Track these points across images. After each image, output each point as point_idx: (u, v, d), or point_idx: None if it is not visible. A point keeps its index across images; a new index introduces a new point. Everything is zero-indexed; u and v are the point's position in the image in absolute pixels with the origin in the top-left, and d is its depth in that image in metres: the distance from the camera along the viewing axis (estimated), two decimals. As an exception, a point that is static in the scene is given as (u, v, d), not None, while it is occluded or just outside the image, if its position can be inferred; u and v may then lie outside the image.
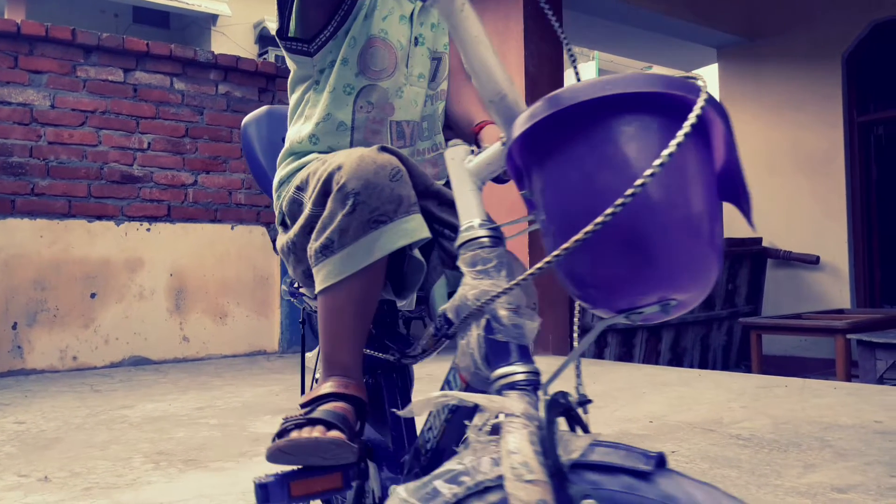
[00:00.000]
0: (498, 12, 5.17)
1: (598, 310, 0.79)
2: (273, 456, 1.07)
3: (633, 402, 3.36)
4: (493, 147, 0.92)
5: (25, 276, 4.74)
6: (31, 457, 2.67)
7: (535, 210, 0.82)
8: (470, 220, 0.90)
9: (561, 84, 5.41)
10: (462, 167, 0.94)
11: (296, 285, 1.46)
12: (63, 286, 4.86)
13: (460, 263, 0.88)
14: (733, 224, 6.90)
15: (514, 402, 0.76)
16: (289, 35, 1.31)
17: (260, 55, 9.75)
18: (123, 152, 5.16)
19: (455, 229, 1.19)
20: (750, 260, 6.31)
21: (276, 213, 1.31)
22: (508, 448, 0.72)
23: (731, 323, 6.14)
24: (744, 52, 7.07)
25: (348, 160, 1.06)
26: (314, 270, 1.09)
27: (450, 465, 0.78)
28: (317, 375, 1.59)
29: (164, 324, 5.19)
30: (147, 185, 5.24)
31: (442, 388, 0.97)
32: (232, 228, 5.52)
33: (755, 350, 4.94)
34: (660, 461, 0.69)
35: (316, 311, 1.48)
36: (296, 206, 1.21)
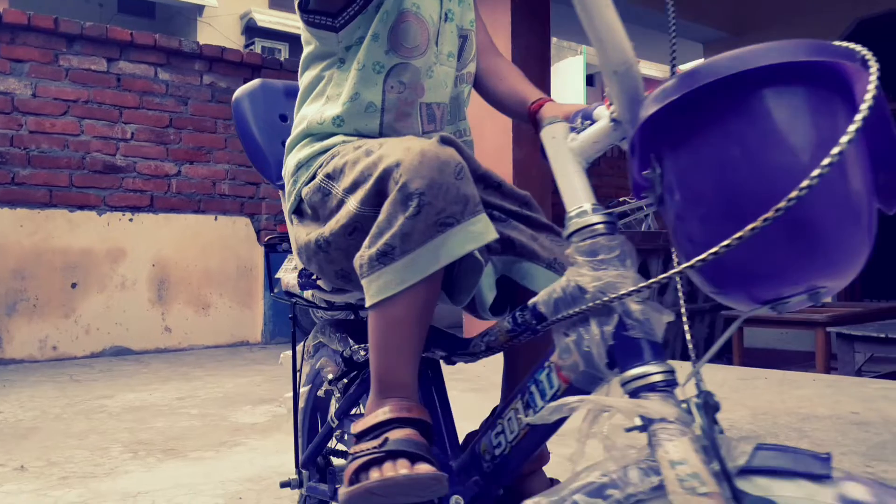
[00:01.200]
0: (485, 5, 5.16)
1: (736, 301, 0.73)
2: (359, 499, 0.91)
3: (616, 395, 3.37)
4: (601, 124, 0.85)
5: (5, 266, 4.70)
6: (8, 446, 2.65)
7: (652, 193, 0.76)
8: (579, 204, 0.83)
9: (548, 78, 5.41)
10: (564, 146, 0.86)
11: (291, 283, 1.39)
12: (43, 276, 4.81)
13: (572, 253, 0.81)
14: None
15: (665, 405, 0.69)
16: (310, 7, 1.19)
17: (246, 46, 9.70)
18: (106, 142, 5.12)
19: (503, 210, 1.15)
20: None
21: (290, 199, 1.18)
22: (671, 458, 0.65)
23: (713, 316, 6.18)
24: (730, 48, 7.09)
25: (408, 156, 0.94)
26: (366, 281, 0.96)
27: (588, 476, 0.70)
28: (302, 370, 1.55)
29: (145, 314, 5.16)
30: (130, 175, 5.20)
31: (525, 390, 0.88)
32: (215, 219, 5.49)
33: (736, 342, 4.97)
34: (828, 462, 0.64)
35: (309, 308, 1.42)
36: (323, 195, 1.09)
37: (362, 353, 1.20)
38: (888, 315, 4.84)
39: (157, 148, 5.31)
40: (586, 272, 0.79)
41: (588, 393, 0.80)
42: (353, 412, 1.23)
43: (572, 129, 0.89)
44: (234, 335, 5.51)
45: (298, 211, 1.18)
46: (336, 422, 1.24)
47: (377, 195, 0.98)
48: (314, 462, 1.40)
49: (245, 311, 5.57)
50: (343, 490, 0.91)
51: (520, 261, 1.11)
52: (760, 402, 3.15)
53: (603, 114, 0.88)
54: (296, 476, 1.44)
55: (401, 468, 0.88)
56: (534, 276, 1.10)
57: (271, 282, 1.74)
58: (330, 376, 1.34)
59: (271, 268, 1.72)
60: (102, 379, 4.10)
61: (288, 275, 1.45)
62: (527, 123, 1.24)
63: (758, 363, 4.53)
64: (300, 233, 1.14)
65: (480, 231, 0.95)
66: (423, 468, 0.88)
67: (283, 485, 1.44)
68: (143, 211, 5.22)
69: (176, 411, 3.22)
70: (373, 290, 0.95)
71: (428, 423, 0.97)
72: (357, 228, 1.02)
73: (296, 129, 1.22)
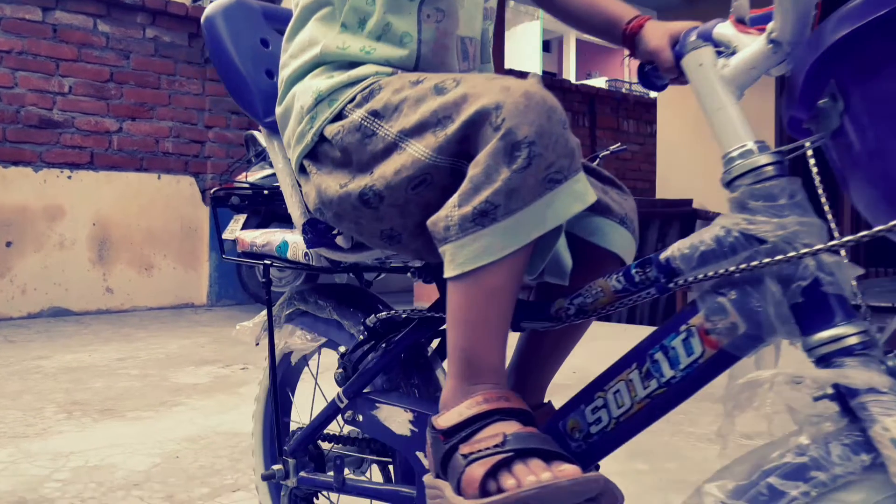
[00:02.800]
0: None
1: None
2: None
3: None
4: (756, 46, 0.74)
5: (-65, 223, 4.50)
6: (-65, 407, 2.56)
7: (823, 127, 0.69)
8: (741, 142, 0.73)
9: (503, 43, 5.36)
10: (714, 74, 0.75)
11: (258, 242, 1.22)
12: (-24, 234, 4.64)
13: (738, 198, 0.72)
14: (665, 185, 7.02)
15: (872, 374, 0.61)
16: None
17: (194, 0, 9.36)
18: (42, 95, 4.91)
19: None
20: (680, 221, 6.45)
21: (302, 140, 0.98)
22: (893, 435, 0.58)
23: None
24: (683, 15, 7.12)
25: (509, 97, 0.78)
26: (453, 245, 0.80)
27: (779, 454, 0.62)
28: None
29: (86, 274, 5.02)
30: (68, 130, 5.01)
31: (641, 357, 0.77)
32: (159, 178, 5.34)
33: (680, 307, 5.09)
34: None
35: (293, 269, 1.19)
36: (364, 136, 0.90)
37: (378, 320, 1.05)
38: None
39: (97, 103, 5.12)
40: (763, 220, 0.69)
41: (738, 359, 0.71)
42: (366, 390, 1.06)
43: (719, 55, 0.78)
44: (179, 297, 5.41)
45: (315, 155, 0.98)
46: (345, 401, 1.07)
47: (460, 142, 0.82)
48: (306, 449, 1.21)
49: (190, 272, 5.47)
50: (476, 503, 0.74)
51: (590, 215, 0.99)
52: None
53: (728, 33, 0.80)
54: (279, 467, 1.21)
55: (540, 470, 0.73)
56: (606, 233, 0.99)
57: (220, 238, 1.58)
58: (301, 344, 1.22)
59: (220, 225, 1.54)
60: (39, 340, 3.99)
61: (250, 234, 1.28)
62: (619, 45, 1.08)
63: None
64: (325, 182, 0.95)
65: (583, 191, 0.82)
66: (570, 469, 0.73)
67: (266, 478, 1.22)
68: (82, 168, 5.04)
69: (115, 372, 3.16)
70: (464, 257, 0.79)
71: (531, 414, 0.82)
72: (425, 181, 0.85)
73: (301, 56, 1.02)
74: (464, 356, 0.82)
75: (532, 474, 0.72)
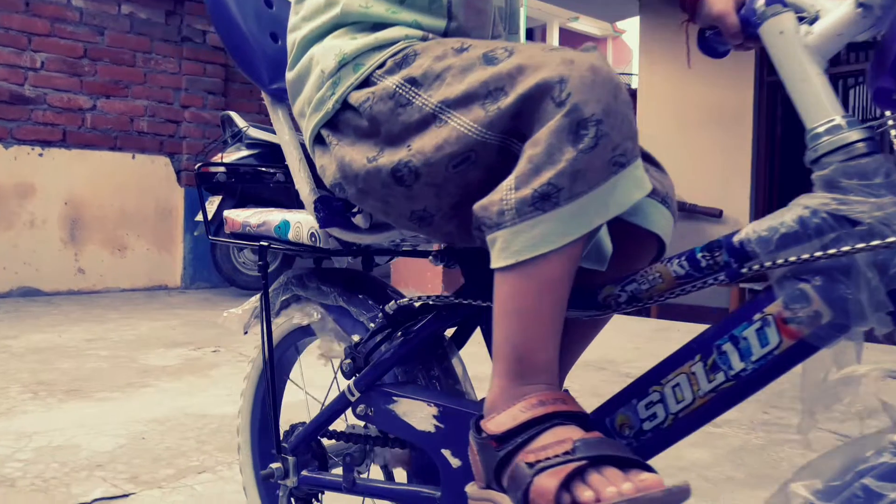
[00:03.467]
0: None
1: None
2: None
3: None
4: (844, 9, 0.69)
5: None
6: None
7: None
8: (828, 117, 0.67)
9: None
10: (797, 43, 0.70)
11: (252, 222, 1.13)
12: (-57, 211, 4.54)
13: (830, 175, 0.66)
14: (644, 176, 7.05)
15: None
16: None
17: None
18: (13, 70, 4.80)
19: None
20: (657, 211, 6.48)
21: (326, 105, 0.88)
22: None
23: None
24: (664, 5, 7.13)
25: (574, 70, 0.71)
26: (508, 232, 0.72)
27: (876, 455, 0.58)
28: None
29: (57, 254, 4.94)
30: (40, 107, 4.91)
31: (706, 349, 0.72)
32: (133, 157, 5.26)
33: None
34: None
35: (296, 253, 1.10)
36: (398, 105, 0.82)
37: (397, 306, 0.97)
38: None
39: (70, 79, 5.02)
40: (858, 199, 0.63)
41: (816, 350, 0.66)
42: (379, 383, 0.98)
43: (800, 20, 0.72)
44: (152, 278, 5.34)
45: (335, 124, 0.89)
46: (357, 394, 0.98)
47: (513, 118, 0.74)
48: (308, 446, 1.12)
49: (164, 253, 5.40)
50: None
51: None
52: (671, 351, 3.25)
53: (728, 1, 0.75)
54: (278, 465, 1.11)
55: (619, 480, 0.66)
56: (648, 213, 0.93)
57: (206, 218, 1.50)
58: (304, 322, 1.14)
59: (204, 205, 1.42)
60: (7, 319, 3.92)
61: (241, 213, 1.19)
62: (681, 11, 1.02)
63: (675, 317, 4.67)
64: (349, 155, 0.86)
65: (642, 177, 0.75)
66: (652, 478, 0.66)
67: (266, 477, 1.13)
68: (54, 146, 4.95)
69: (84, 353, 3.11)
70: (520, 244, 0.72)
71: (588, 416, 0.76)
72: (468, 159, 0.77)
73: (317, 18, 0.92)
74: (515, 353, 0.75)
75: (611, 485, 0.65)
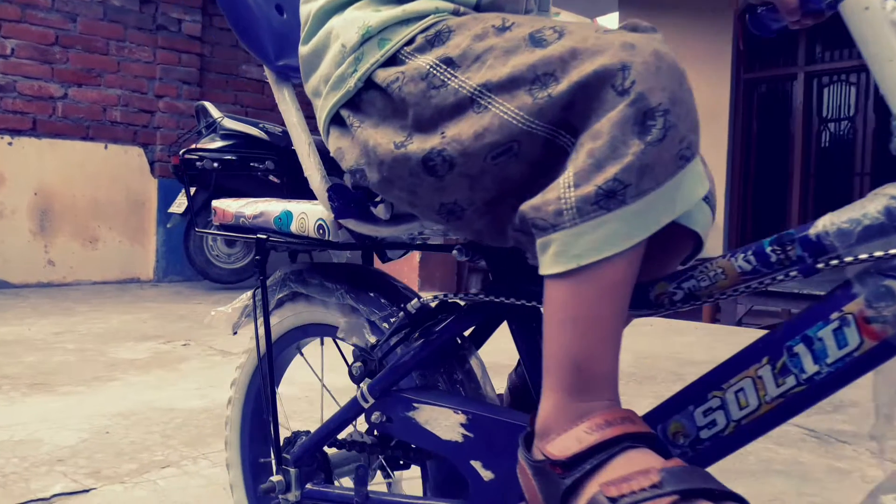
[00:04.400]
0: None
1: None
2: None
3: (508, 336, 3.43)
4: None
5: None
6: None
7: None
8: None
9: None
10: (884, 19, 0.65)
11: (246, 213, 1.04)
12: None
13: None
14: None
15: None
16: None
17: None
18: (-19, 57, 4.71)
19: None
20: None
21: (348, 83, 0.81)
22: None
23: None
24: (643, 2, 7.15)
25: (636, 56, 0.66)
26: (565, 234, 0.66)
27: None
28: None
29: (26, 246, 4.85)
30: (9, 94, 4.81)
31: (775, 351, 0.67)
32: (105, 148, 5.18)
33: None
34: None
35: (305, 249, 1.00)
36: (430, 87, 0.75)
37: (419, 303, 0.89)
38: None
39: (40, 67, 4.93)
40: None
41: None
42: (395, 388, 0.90)
43: None
44: (124, 271, 5.27)
45: (357, 104, 0.81)
46: (371, 400, 0.90)
47: (565, 108, 0.68)
48: (313, 457, 1.04)
49: (136, 246, 5.32)
50: None
51: None
52: (644, 346, 3.27)
53: None
54: (279, 477, 1.02)
55: None
56: (690, 210, 0.88)
57: (192, 207, 1.41)
58: (327, 321, 1.05)
59: (189, 191, 1.30)
60: (-27, 311, 3.85)
61: (233, 203, 1.10)
62: None
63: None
64: (374, 139, 0.78)
65: (702, 172, 0.71)
66: None
67: (267, 491, 1.04)
68: (24, 135, 4.86)
69: (51, 346, 3.06)
70: (582, 247, 0.66)
71: (656, 437, 0.70)
72: (510, 151, 0.70)
73: None
74: (573, 365, 0.67)
75: None
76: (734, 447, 0.70)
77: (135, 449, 1.85)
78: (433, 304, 0.89)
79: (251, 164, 4.77)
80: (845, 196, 6.37)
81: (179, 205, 4.70)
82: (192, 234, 4.80)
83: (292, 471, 1.02)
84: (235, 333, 1.20)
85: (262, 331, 1.05)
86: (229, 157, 4.62)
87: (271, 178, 4.72)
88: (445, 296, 0.89)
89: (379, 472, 1.07)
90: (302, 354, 1.18)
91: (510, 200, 0.72)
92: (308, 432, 1.04)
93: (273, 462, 1.04)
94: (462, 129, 0.71)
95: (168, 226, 4.92)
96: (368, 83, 0.79)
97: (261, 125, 4.83)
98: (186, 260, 4.88)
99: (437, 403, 0.85)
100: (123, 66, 5.26)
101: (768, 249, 0.68)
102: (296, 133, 0.95)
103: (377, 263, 1.10)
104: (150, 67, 5.38)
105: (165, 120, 5.41)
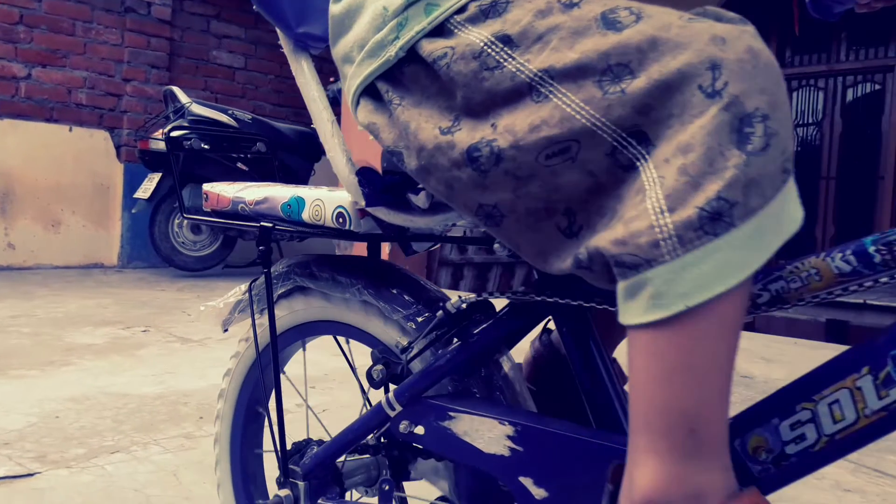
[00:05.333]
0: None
1: None
2: None
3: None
4: None
5: None
6: None
7: None
8: None
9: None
10: None
11: (247, 198, 0.95)
12: None
13: None
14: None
15: None
16: None
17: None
18: (-58, 33, 4.59)
19: None
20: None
21: (388, 52, 0.70)
22: None
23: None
24: None
25: (730, 53, 0.56)
26: (668, 270, 0.55)
27: None
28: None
29: (-15, 228, 4.74)
30: (-29, 73, 4.70)
31: (877, 358, 0.61)
32: (70, 130, 5.08)
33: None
34: None
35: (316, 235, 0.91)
36: (482, 67, 0.65)
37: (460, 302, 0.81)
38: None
39: (3, 46, 4.82)
40: None
41: None
42: (426, 394, 0.82)
43: None
44: (88, 256, 5.18)
45: (395, 77, 0.71)
46: (398, 408, 0.82)
47: (640, 111, 0.57)
48: (327, 468, 0.94)
49: (100, 231, 5.23)
50: None
51: None
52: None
53: None
54: (286, 491, 0.94)
55: None
56: None
57: (180, 194, 1.34)
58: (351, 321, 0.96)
59: (178, 177, 1.20)
60: (-73, 293, 3.75)
61: (229, 188, 1.01)
62: None
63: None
64: (416, 121, 0.69)
65: (796, 190, 0.62)
66: None
67: None
68: (-15, 115, 4.75)
69: (5, 329, 2.99)
70: (690, 284, 0.54)
71: None
72: (567, 152, 0.60)
73: None
74: (685, 425, 0.57)
75: None
76: (821, 464, 0.64)
77: (84, 434, 1.81)
78: (470, 304, 0.80)
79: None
80: (811, 200, 6.47)
81: (145, 190, 4.63)
82: (157, 221, 4.73)
83: (301, 484, 0.91)
84: (226, 331, 1.10)
85: (260, 326, 1.00)
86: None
87: (239, 165, 4.66)
88: (491, 294, 0.80)
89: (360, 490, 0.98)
90: (304, 351, 1.11)
91: (556, 219, 0.62)
92: (320, 441, 0.95)
93: (278, 473, 0.95)
94: (516, 120, 0.62)
95: (133, 211, 4.85)
96: (411, 54, 0.69)
97: (230, 112, 4.77)
98: (151, 246, 4.80)
99: (479, 413, 0.76)
100: (90, 48, 5.16)
101: (871, 249, 0.62)
102: (317, 110, 0.84)
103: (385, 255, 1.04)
104: (117, 50, 5.28)
105: (133, 104, 5.32)
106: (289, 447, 0.97)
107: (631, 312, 0.56)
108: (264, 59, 6.06)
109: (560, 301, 0.73)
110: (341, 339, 1.06)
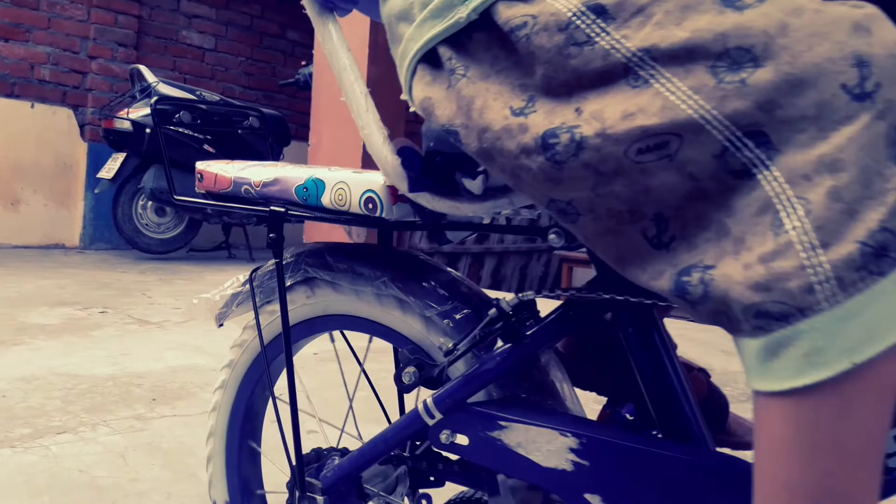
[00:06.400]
0: None
1: None
2: None
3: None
4: None
5: None
6: None
7: None
8: None
9: None
10: None
11: (263, 178, 0.85)
12: None
13: None
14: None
15: None
16: None
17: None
18: None
19: None
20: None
21: (457, 13, 0.60)
22: None
23: (549, 255, 6.42)
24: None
25: (877, 48, 0.46)
26: (829, 319, 0.45)
27: None
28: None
29: (-60, 204, 4.62)
30: (-72, 44, 4.56)
31: None
32: (32, 107, 4.95)
33: (566, 281, 5.19)
34: None
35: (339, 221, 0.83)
36: (572, 44, 0.54)
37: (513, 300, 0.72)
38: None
39: (-36, 18, 4.68)
40: None
41: None
42: (469, 399, 0.74)
43: None
44: (48, 236, 5.07)
45: (463, 45, 0.61)
46: (438, 416, 0.74)
47: (763, 107, 0.47)
48: (354, 480, 0.85)
49: (62, 210, 5.12)
50: None
51: None
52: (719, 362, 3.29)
53: None
54: None
55: None
56: None
57: (169, 176, 1.19)
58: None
59: (166, 153, 1.11)
60: None
61: (231, 167, 0.91)
62: None
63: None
64: (483, 98, 0.59)
65: None
66: None
67: None
68: (-57, 88, 4.61)
69: (-43, 308, 2.91)
70: (854, 338, 0.45)
71: None
72: (666, 147, 0.50)
73: None
74: None
75: None
76: None
77: (31, 414, 1.77)
78: (523, 303, 0.73)
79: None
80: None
81: (109, 170, 4.53)
82: (120, 201, 4.65)
83: (320, 499, 0.84)
84: (221, 326, 1.01)
85: (264, 321, 0.94)
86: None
87: (206, 147, 4.59)
88: (551, 292, 0.72)
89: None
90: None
91: (643, 225, 0.52)
92: (345, 450, 0.87)
93: (294, 488, 0.86)
94: (606, 106, 0.52)
95: (96, 191, 4.75)
96: (485, 18, 0.59)
97: (198, 93, 4.69)
98: (114, 228, 4.72)
99: (536, 422, 0.68)
100: (54, 23, 5.04)
101: None
102: (347, 80, 0.74)
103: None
104: (83, 26, 5.16)
105: (98, 82, 5.21)
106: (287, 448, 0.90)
107: (775, 375, 0.46)
108: (235, 40, 5.96)
109: (639, 300, 0.64)
110: (347, 334, 1.00)
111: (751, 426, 0.74)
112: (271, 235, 0.82)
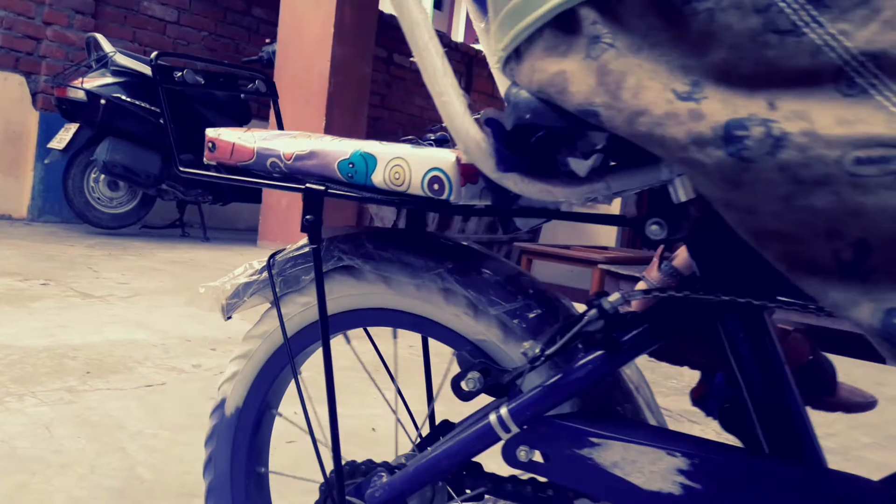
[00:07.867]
0: None
1: None
2: None
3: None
4: None
5: None
6: None
7: None
8: None
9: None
10: None
11: (285, 151, 0.74)
12: None
13: None
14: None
15: None
16: None
17: None
18: None
19: None
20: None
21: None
22: None
23: (509, 247, 6.43)
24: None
25: None
26: None
27: None
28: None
29: None
30: None
31: None
32: (-19, 72, 4.79)
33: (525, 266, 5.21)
34: None
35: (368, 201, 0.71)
36: (771, 30, 0.44)
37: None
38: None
39: (-88, -25, 4.49)
40: None
41: None
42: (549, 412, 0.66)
43: None
44: (-6, 206, 4.91)
45: (612, 9, 0.51)
46: (514, 429, 0.66)
47: None
48: (400, 502, 0.75)
49: (10, 181, 4.96)
50: None
51: None
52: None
53: None
54: None
55: None
56: None
57: (175, 144, 1.04)
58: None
59: (168, 115, 1.09)
60: None
61: (250, 136, 0.79)
62: None
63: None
64: (636, 75, 0.49)
65: None
66: None
67: None
68: None
69: None
70: None
71: None
72: (887, 163, 0.41)
73: None
74: None
75: None
76: None
77: (-45, 382, 1.70)
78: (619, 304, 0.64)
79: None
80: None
81: (61, 140, 4.40)
82: (72, 173, 4.51)
83: None
84: (229, 318, 0.90)
85: (284, 312, 0.84)
86: (95, 100, 4.37)
87: (162, 121, 4.48)
88: (662, 291, 0.62)
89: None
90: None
91: (837, 245, 0.43)
92: (387, 464, 0.79)
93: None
94: (811, 108, 0.43)
95: (46, 162, 4.60)
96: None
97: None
98: (65, 200, 4.58)
99: (637, 440, 0.61)
100: (9, -14, 4.87)
101: None
102: (422, 38, 0.63)
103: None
104: (39, -9, 5.00)
105: (53, 49, 5.05)
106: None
107: None
108: (198, 14, 5.83)
109: (748, 301, 0.58)
110: (366, 331, 0.90)
111: (857, 389, 0.73)
112: (308, 217, 0.71)
